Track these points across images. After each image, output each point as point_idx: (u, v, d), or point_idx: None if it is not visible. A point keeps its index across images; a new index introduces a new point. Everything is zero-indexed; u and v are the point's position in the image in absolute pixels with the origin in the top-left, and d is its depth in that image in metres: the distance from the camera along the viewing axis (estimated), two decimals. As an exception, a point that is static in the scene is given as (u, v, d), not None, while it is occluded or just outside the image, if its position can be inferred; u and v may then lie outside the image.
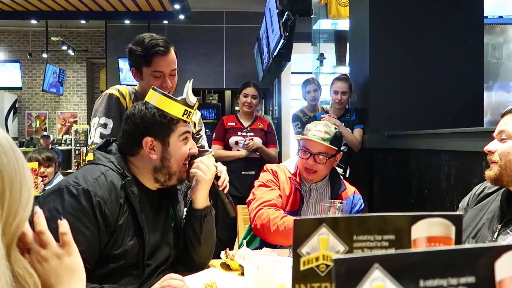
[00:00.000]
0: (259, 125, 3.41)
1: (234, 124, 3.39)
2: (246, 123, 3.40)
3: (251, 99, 3.36)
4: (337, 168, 2.94)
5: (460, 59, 3.10)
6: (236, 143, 3.30)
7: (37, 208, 0.79)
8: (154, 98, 1.33)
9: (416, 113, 3.02)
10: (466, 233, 1.41)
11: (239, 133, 3.34)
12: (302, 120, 3.63)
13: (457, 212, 1.50)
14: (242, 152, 3.27)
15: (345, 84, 3.12)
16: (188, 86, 1.37)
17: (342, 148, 3.04)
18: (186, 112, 1.33)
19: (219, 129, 3.39)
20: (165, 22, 8.04)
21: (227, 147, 3.32)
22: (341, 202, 1.44)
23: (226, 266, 1.51)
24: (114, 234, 1.22)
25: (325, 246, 0.69)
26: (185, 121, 1.35)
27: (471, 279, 0.50)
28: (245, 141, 3.28)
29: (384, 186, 3.03)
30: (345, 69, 4.80)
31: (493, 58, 5.17)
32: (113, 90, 1.87)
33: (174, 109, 1.31)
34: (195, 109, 1.38)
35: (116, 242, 1.23)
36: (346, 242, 0.69)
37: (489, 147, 1.33)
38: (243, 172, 3.26)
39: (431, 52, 3.11)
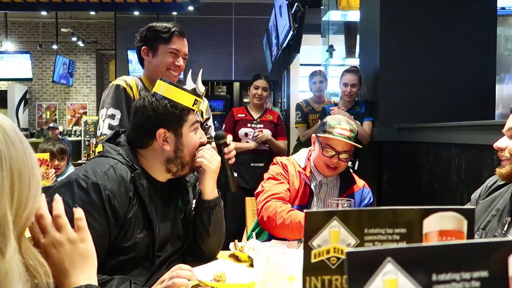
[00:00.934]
0: (269, 117, 3.40)
1: (244, 115, 3.37)
2: (256, 115, 3.39)
3: (261, 91, 3.34)
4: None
5: (472, 51, 3.06)
6: (246, 134, 3.29)
7: (57, 196, 0.83)
8: (162, 88, 1.33)
9: (426, 106, 3.00)
10: (477, 224, 1.41)
11: (249, 125, 3.33)
12: (304, 110, 3.63)
13: (469, 206, 1.50)
14: (251, 144, 3.26)
15: (355, 76, 3.10)
16: (199, 75, 1.37)
17: (352, 141, 3.04)
18: (195, 101, 1.33)
19: (228, 121, 3.38)
20: (174, 13, 8.02)
21: (237, 138, 3.29)
22: (348, 200, 1.43)
23: (235, 258, 1.51)
24: (123, 227, 1.23)
25: (336, 239, 0.69)
26: (193, 111, 1.35)
27: (484, 274, 0.50)
28: (254, 133, 3.28)
29: (393, 179, 3.02)
30: (355, 61, 4.76)
31: (505, 50, 5.09)
32: (120, 81, 1.90)
33: (184, 98, 1.31)
34: (203, 97, 1.39)
35: (126, 234, 1.23)
36: (357, 235, 0.69)
37: (499, 144, 1.32)
38: (252, 164, 3.26)
39: (442, 44, 3.07)
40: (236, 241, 1.58)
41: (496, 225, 1.35)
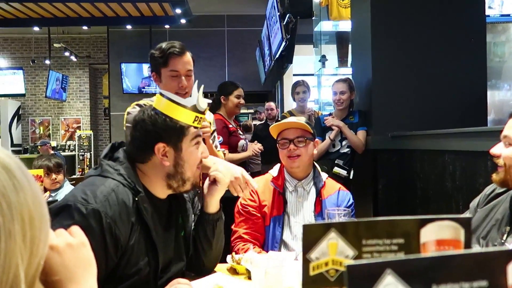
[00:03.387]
0: (236, 126, 3.43)
1: (231, 126, 3.27)
2: (234, 124, 3.35)
3: (242, 100, 3.31)
4: (340, 170, 2.96)
5: (462, 59, 3.10)
6: (242, 145, 3.28)
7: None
8: (161, 104, 1.27)
9: (420, 113, 3.02)
10: (477, 233, 1.41)
11: (240, 135, 3.32)
12: None
13: (467, 214, 1.50)
14: (250, 153, 3.24)
15: (344, 84, 3.12)
16: (198, 90, 1.31)
17: (346, 150, 3.06)
18: (196, 118, 1.28)
19: (224, 132, 3.20)
20: (167, 26, 8.06)
21: (233, 150, 3.23)
22: (345, 209, 1.43)
23: (233, 270, 1.50)
24: (125, 254, 1.17)
25: (334, 251, 0.69)
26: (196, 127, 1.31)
27: (483, 283, 0.50)
28: (246, 143, 3.28)
29: (388, 187, 3.02)
30: (347, 71, 4.80)
31: (495, 56, 5.15)
32: (143, 101, 1.97)
33: (183, 115, 1.26)
34: (205, 113, 1.34)
35: (129, 262, 1.18)
36: (355, 246, 0.69)
37: (494, 150, 1.33)
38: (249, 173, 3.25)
39: (433, 52, 3.10)
40: (234, 253, 1.57)
41: (496, 235, 1.35)
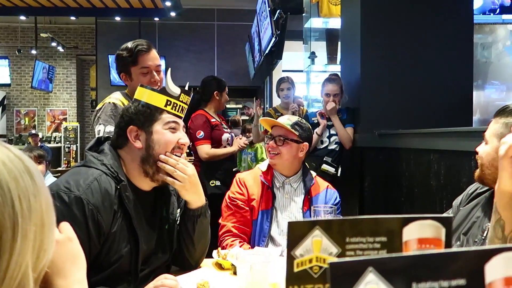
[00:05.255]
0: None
1: (215, 120, 3.18)
2: (219, 119, 3.30)
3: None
4: (328, 167, 2.98)
5: (450, 59, 3.13)
6: (227, 140, 3.23)
7: None
8: (136, 92, 1.37)
9: (407, 112, 3.05)
10: (459, 230, 1.44)
11: (224, 129, 3.23)
12: (273, 117, 3.61)
13: (450, 213, 1.54)
14: (235, 148, 3.20)
15: (336, 86, 3.13)
16: (167, 75, 1.39)
17: (334, 146, 3.08)
18: (169, 102, 1.33)
19: (205, 126, 3.10)
20: (156, 19, 8.00)
21: (217, 145, 3.15)
22: (331, 207, 1.45)
23: (219, 266, 1.51)
24: (107, 241, 1.20)
25: (318, 248, 0.70)
26: (171, 112, 1.33)
27: (462, 282, 0.51)
28: (232, 137, 3.26)
29: (374, 184, 3.05)
30: (336, 68, 4.81)
31: (482, 57, 5.22)
32: (116, 100, 1.98)
33: (153, 98, 1.32)
34: (183, 101, 1.36)
35: (111, 249, 1.20)
36: (339, 244, 0.70)
37: (478, 148, 1.37)
38: (234, 169, 3.24)
39: (422, 51, 3.13)
40: (220, 248, 1.58)
41: (477, 231, 1.39)
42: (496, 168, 1.27)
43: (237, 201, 1.88)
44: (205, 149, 3.05)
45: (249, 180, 1.93)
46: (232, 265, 1.43)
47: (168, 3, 6.89)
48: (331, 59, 5.15)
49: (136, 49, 1.94)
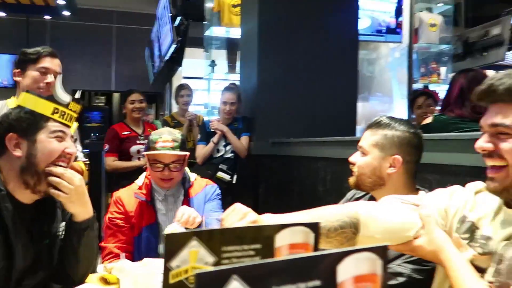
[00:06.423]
0: (150, 131, 3.35)
1: (129, 132, 3.31)
2: (139, 130, 3.35)
3: (138, 104, 3.34)
4: (224, 175, 3.03)
5: (338, 72, 3.38)
6: (138, 151, 3.23)
7: None
8: (21, 98, 1.29)
9: (299, 122, 3.22)
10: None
11: (138, 142, 3.28)
12: (170, 125, 3.62)
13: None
14: (142, 161, 3.16)
15: (233, 95, 3.20)
16: (56, 82, 1.32)
17: (230, 155, 3.14)
18: (56, 110, 1.26)
19: (113, 140, 3.27)
20: (48, 17, 7.45)
21: (127, 157, 3.23)
22: (217, 218, 1.46)
23: (104, 280, 1.45)
24: None
25: (195, 259, 0.71)
26: (58, 121, 1.27)
27: (317, 283, 0.57)
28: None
29: (268, 191, 3.17)
30: (236, 76, 4.91)
31: (367, 72, 5.71)
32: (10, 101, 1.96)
33: (40, 105, 1.25)
34: (73, 109, 1.31)
35: None
36: (215, 253, 0.72)
37: (351, 158, 1.50)
38: None
39: (313, 64, 3.34)
40: (107, 262, 1.52)
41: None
42: (378, 177, 1.40)
43: (116, 220, 1.84)
44: (108, 161, 3.28)
45: (125, 198, 1.88)
46: (118, 278, 1.38)
47: (61, 1, 6.45)
48: (232, 67, 5.24)
49: (43, 51, 1.96)
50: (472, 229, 1.03)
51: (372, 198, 1.52)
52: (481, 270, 0.98)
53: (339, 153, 2.31)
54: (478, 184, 1.09)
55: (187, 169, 2.01)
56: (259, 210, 3.25)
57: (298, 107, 3.27)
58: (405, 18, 5.02)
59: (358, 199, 1.64)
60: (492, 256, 0.96)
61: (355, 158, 1.49)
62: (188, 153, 1.92)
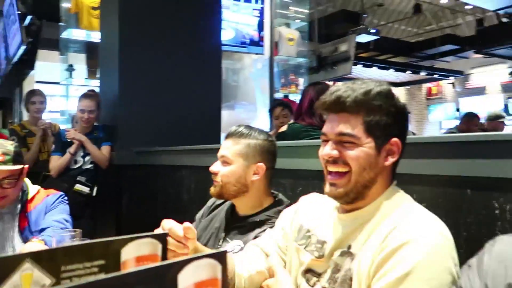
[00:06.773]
0: None
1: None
2: None
3: None
4: (82, 187, 2.84)
5: (202, 81, 3.43)
6: None
7: None
8: None
9: (164, 130, 3.18)
10: (201, 241, 1.57)
11: None
12: (20, 134, 3.30)
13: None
14: None
15: (92, 102, 3.01)
16: None
17: (89, 166, 2.95)
18: None
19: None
20: None
21: None
22: (72, 232, 1.35)
23: None
24: None
25: (28, 282, 0.66)
26: None
27: (157, 294, 0.57)
28: None
29: (132, 202, 3.07)
30: (98, 82, 4.65)
31: (232, 81, 5.91)
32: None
33: None
34: None
35: None
36: (53, 274, 0.67)
37: (213, 168, 1.52)
38: None
39: (177, 72, 3.33)
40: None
41: (214, 241, 1.54)
42: (243, 184, 1.45)
43: None
44: None
45: None
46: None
47: None
48: (92, 73, 4.95)
49: None
50: (308, 236, 1.14)
51: (233, 205, 1.57)
52: (318, 275, 1.08)
53: (202, 161, 2.34)
54: (312, 195, 1.23)
55: (27, 180, 1.81)
56: (122, 223, 3.13)
57: (163, 115, 3.22)
58: (266, 32, 5.32)
59: (218, 206, 1.68)
60: (328, 260, 1.06)
61: (217, 167, 1.51)
62: (25, 166, 1.72)
